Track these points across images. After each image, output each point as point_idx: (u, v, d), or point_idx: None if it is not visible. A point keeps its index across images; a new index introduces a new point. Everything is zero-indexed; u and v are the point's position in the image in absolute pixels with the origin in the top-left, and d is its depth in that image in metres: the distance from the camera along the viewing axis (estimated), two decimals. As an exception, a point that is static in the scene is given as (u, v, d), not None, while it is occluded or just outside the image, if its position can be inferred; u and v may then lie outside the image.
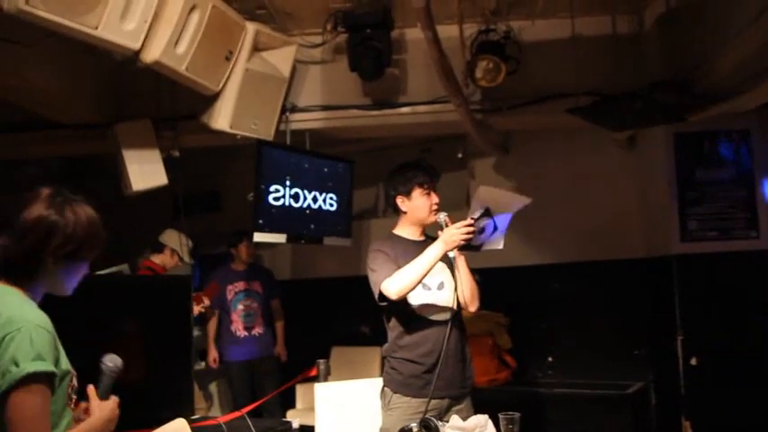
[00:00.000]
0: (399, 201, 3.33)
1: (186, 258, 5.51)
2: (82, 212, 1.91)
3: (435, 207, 3.28)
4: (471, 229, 3.02)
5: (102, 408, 1.92)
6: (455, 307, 3.23)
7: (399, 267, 3.10)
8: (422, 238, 3.35)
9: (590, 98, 4.35)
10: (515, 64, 4.43)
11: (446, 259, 3.13)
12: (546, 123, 4.96)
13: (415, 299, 3.20)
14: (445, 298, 3.22)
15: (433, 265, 3.06)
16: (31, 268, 1.87)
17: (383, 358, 3.33)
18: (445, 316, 3.18)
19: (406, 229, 3.38)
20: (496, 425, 2.90)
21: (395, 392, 3.21)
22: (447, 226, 3.11)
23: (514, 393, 5.05)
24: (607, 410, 4.97)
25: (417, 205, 3.29)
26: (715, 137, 4.82)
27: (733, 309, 4.60)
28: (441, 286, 3.25)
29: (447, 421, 2.93)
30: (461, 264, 3.22)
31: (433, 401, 3.12)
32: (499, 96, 4.56)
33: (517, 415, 2.84)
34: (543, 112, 4.56)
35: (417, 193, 3.28)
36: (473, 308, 3.30)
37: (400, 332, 3.24)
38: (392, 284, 3.05)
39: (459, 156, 5.49)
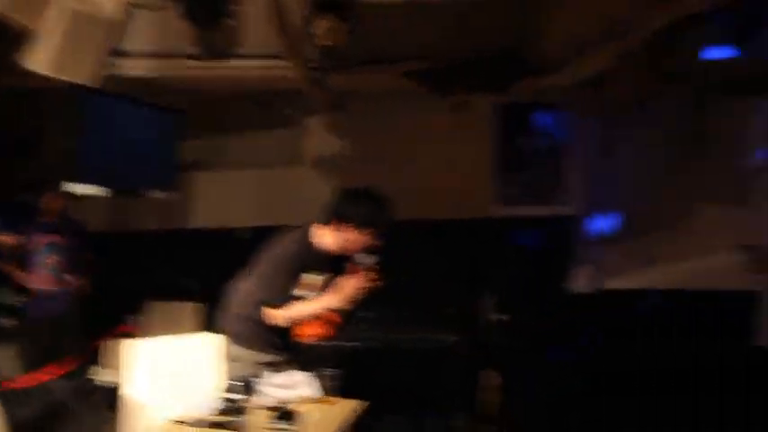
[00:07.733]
0: (333, 223, 3.12)
1: None
2: None
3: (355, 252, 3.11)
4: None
5: None
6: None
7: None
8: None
9: (425, 62, 4.47)
10: (354, 23, 4.41)
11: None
12: (382, 85, 5.00)
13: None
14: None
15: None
16: None
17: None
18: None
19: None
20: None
21: (234, 343, 3.19)
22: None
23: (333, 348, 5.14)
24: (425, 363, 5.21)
25: (340, 239, 3.12)
26: (531, 109, 5.24)
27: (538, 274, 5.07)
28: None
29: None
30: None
31: (270, 356, 3.16)
32: (336, 55, 4.53)
33: (337, 371, 2.97)
34: (380, 73, 4.63)
35: (353, 233, 3.09)
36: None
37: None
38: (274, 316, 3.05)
39: (290, 112, 5.44)
